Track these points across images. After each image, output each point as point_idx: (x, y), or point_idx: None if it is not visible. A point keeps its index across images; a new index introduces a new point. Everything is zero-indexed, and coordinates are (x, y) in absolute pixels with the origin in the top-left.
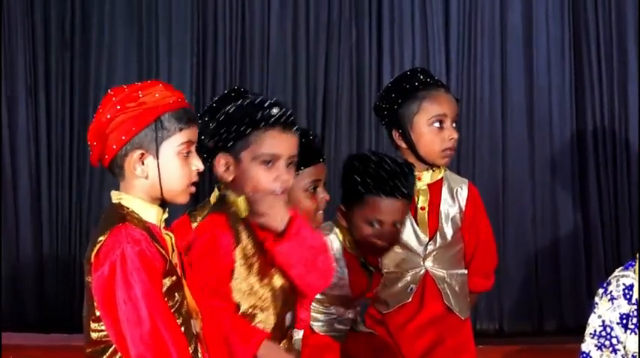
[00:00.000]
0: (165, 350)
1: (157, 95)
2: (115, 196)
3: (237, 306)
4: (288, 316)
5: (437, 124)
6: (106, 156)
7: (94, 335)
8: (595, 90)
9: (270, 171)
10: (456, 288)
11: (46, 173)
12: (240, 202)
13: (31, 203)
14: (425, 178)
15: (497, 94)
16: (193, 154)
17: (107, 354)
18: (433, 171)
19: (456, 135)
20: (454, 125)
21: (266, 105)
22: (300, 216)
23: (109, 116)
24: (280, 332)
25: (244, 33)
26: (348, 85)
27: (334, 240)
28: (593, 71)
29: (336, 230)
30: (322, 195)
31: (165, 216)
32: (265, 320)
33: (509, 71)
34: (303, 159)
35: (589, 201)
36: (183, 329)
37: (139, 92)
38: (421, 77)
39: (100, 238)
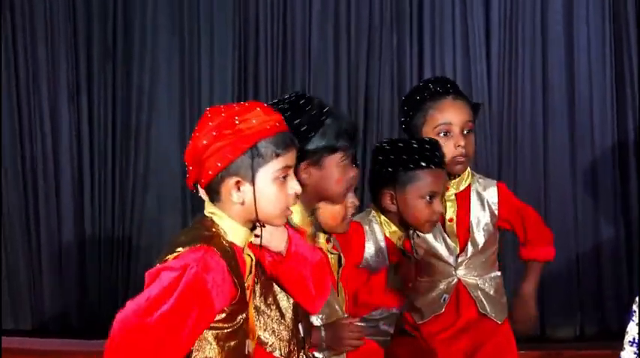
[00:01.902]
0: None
1: (253, 121)
2: (209, 209)
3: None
4: (300, 327)
5: (443, 134)
6: (202, 181)
7: None
8: (636, 95)
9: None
10: (491, 293)
11: (89, 178)
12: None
13: (74, 208)
14: (452, 188)
15: (538, 98)
16: (291, 177)
17: None
18: (455, 178)
19: (462, 142)
20: (466, 131)
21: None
22: (294, 232)
23: (205, 142)
24: (296, 344)
25: (286, 36)
26: (389, 91)
27: (377, 230)
28: (634, 76)
29: (377, 218)
30: (352, 199)
31: (252, 238)
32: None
33: (550, 76)
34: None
35: (630, 205)
36: (234, 347)
37: (236, 118)
38: (431, 87)
39: (180, 249)
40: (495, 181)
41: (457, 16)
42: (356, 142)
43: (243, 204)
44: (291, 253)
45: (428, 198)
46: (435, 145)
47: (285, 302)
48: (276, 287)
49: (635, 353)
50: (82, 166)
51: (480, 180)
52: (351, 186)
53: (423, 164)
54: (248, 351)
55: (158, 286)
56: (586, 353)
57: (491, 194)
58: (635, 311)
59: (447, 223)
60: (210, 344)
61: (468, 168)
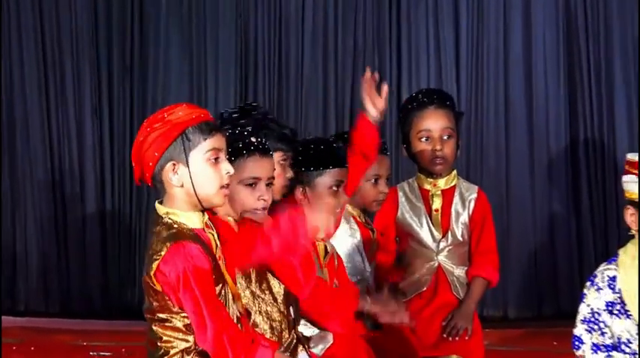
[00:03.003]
0: (224, 351)
1: (180, 113)
2: (162, 211)
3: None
4: (291, 309)
5: (424, 139)
6: (147, 174)
7: (156, 338)
8: (586, 105)
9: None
10: (462, 281)
11: (110, 184)
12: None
13: (97, 210)
14: (440, 184)
15: (501, 110)
16: (222, 159)
17: (169, 343)
18: (441, 177)
19: (439, 146)
20: (445, 137)
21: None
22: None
23: (141, 139)
24: (287, 324)
25: (281, 59)
26: None
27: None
28: (585, 90)
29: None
30: (343, 196)
31: (206, 218)
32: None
33: (511, 91)
34: (328, 160)
35: (581, 203)
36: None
37: (164, 114)
38: (418, 97)
39: (160, 253)
40: (477, 187)
41: (431, 41)
42: (295, 146)
43: (182, 186)
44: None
45: (373, 180)
46: None
47: (277, 287)
48: (269, 275)
49: (585, 330)
50: (104, 171)
51: (464, 184)
52: (342, 182)
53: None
54: (239, 311)
55: (187, 303)
56: (543, 330)
57: (472, 196)
58: (585, 294)
59: (434, 213)
60: None
61: (455, 171)
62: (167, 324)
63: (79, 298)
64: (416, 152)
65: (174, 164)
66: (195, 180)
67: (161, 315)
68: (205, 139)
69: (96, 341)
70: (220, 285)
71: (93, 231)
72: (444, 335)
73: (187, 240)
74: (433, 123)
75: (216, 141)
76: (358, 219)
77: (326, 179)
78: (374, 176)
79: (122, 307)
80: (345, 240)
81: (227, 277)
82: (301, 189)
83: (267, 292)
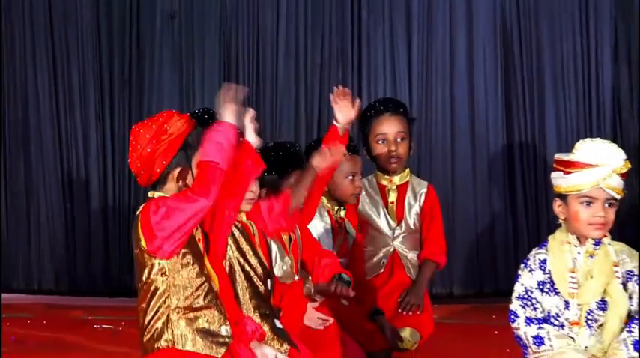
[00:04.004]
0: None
1: (178, 124)
2: (156, 195)
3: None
4: (268, 282)
5: (381, 141)
6: (153, 178)
7: (141, 302)
8: (520, 113)
9: None
10: (416, 264)
11: (111, 181)
12: None
13: (100, 203)
14: (395, 180)
15: (447, 117)
16: None
17: (152, 319)
18: (396, 174)
19: (393, 147)
20: (399, 139)
21: None
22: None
23: (149, 150)
24: (264, 296)
25: (258, 71)
26: None
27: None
28: (519, 99)
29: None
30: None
31: None
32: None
33: (456, 100)
34: (287, 164)
35: (516, 196)
36: (206, 286)
37: (165, 126)
38: (377, 105)
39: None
40: (427, 183)
41: (387, 57)
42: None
43: (185, 183)
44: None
45: (350, 177)
46: (349, 137)
47: (254, 260)
48: (248, 248)
49: (520, 305)
50: (106, 170)
51: (416, 180)
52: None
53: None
54: (215, 289)
55: (160, 208)
56: (483, 306)
57: (423, 190)
58: (519, 275)
59: (390, 205)
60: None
61: (408, 169)
62: (151, 288)
63: (85, 279)
64: (374, 153)
65: (181, 170)
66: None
67: (147, 278)
68: (200, 143)
69: (99, 315)
70: (198, 265)
71: (97, 221)
72: (399, 310)
73: None
74: (388, 127)
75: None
76: (332, 213)
77: (285, 181)
78: (350, 173)
79: (121, 287)
80: (317, 225)
81: (205, 260)
82: (265, 191)
83: (245, 264)
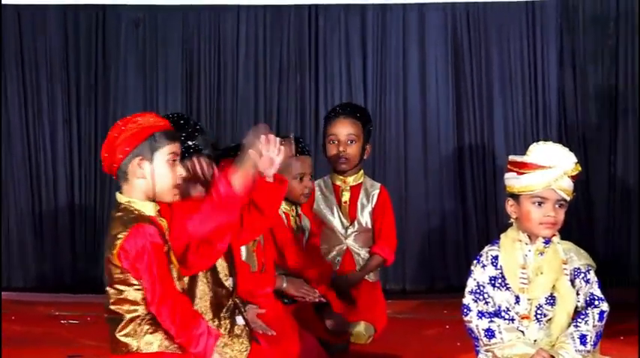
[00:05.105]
0: (169, 312)
1: (150, 119)
2: (122, 199)
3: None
4: (230, 281)
5: (333, 142)
6: (114, 165)
7: (112, 306)
8: (470, 118)
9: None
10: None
11: (78, 182)
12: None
13: (67, 203)
14: (349, 181)
15: (400, 122)
16: (177, 164)
17: (121, 325)
18: (351, 176)
19: (343, 149)
20: (350, 141)
21: None
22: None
23: (116, 135)
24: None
25: (219, 77)
26: (294, 116)
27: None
28: (469, 104)
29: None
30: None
31: (158, 208)
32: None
33: (409, 105)
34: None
35: (466, 196)
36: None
37: (137, 118)
38: (335, 108)
39: (122, 234)
40: (380, 184)
41: (342, 63)
42: (218, 151)
43: (144, 178)
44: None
45: (299, 178)
46: (298, 139)
47: (220, 260)
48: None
49: (472, 299)
50: (73, 171)
51: (369, 181)
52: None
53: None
54: (182, 287)
55: (144, 273)
56: (435, 301)
57: (375, 191)
58: (472, 270)
59: (343, 205)
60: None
61: (362, 171)
62: (123, 296)
63: (53, 275)
64: (327, 153)
65: (141, 159)
66: (156, 176)
67: (119, 287)
68: (168, 144)
69: (66, 311)
70: (176, 277)
71: (63, 220)
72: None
73: (146, 222)
74: (340, 129)
75: (176, 147)
76: (290, 215)
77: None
78: (299, 174)
79: (88, 283)
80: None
81: (173, 258)
82: None
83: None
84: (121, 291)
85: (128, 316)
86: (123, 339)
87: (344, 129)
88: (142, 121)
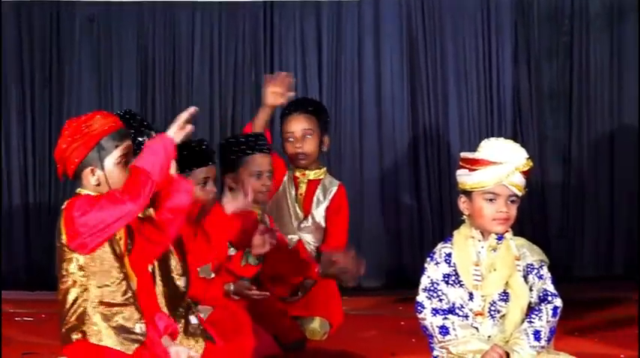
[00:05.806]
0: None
1: (96, 125)
2: (83, 192)
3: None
4: (183, 281)
5: (289, 139)
6: (68, 173)
7: (60, 293)
8: (425, 111)
9: None
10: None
11: (32, 179)
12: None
13: (21, 195)
14: (308, 174)
15: (355, 116)
16: (130, 161)
17: (67, 314)
18: (314, 171)
19: (299, 144)
20: (307, 136)
21: None
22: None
23: (64, 146)
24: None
25: (174, 73)
26: (249, 110)
27: None
28: (424, 98)
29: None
30: (210, 188)
31: None
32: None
33: (364, 99)
34: (191, 162)
35: (421, 192)
36: (124, 284)
37: (83, 125)
38: (289, 105)
39: (65, 204)
40: (339, 183)
41: (298, 57)
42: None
43: (98, 185)
44: None
45: (256, 176)
46: (258, 136)
47: (173, 260)
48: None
49: (426, 297)
50: (27, 168)
51: (329, 178)
52: (209, 178)
53: (249, 151)
54: (132, 289)
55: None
56: (390, 298)
57: (333, 189)
58: (426, 268)
59: (298, 196)
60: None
61: (325, 168)
62: (69, 281)
63: (8, 274)
64: (285, 151)
65: (92, 169)
66: (109, 179)
67: (64, 273)
68: (117, 146)
69: (21, 308)
70: (117, 263)
71: (18, 219)
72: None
73: None
74: (295, 125)
75: (126, 146)
76: (257, 214)
77: (192, 178)
78: (257, 172)
79: (42, 281)
80: None
81: (125, 260)
82: None
83: (162, 263)
84: (68, 276)
85: (76, 303)
86: (70, 326)
87: (299, 125)
88: (87, 129)
